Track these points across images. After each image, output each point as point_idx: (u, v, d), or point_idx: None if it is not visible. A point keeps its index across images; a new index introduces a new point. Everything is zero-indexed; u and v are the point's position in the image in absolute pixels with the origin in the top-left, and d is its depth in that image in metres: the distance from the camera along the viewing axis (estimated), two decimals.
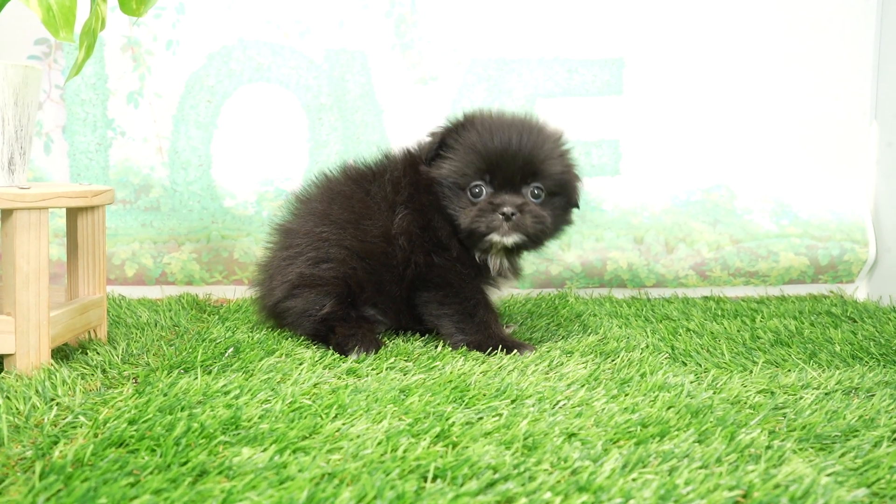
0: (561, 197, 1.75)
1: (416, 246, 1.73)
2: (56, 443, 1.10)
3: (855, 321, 2.06)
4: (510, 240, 1.68)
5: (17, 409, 1.23)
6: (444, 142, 1.74)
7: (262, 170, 2.35)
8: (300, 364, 1.54)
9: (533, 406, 1.29)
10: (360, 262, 1.73)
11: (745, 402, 1.35)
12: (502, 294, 1.85)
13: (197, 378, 1.39)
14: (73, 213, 1.70)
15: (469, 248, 1.74)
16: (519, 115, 1.77)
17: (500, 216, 1.66)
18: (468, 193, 1.70)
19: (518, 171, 1.68)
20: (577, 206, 1.82)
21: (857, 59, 2.44)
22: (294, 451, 1.08)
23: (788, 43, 2.43)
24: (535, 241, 1.73)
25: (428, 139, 1.78)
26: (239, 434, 1.13)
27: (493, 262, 1.76)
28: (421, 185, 1.74)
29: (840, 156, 2.48)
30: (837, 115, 2.46)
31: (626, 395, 1.37)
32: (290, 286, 1.75)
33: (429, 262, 1.73)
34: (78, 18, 1.53)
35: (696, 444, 1.14)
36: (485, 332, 1.72)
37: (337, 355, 1.63)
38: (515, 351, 1.67)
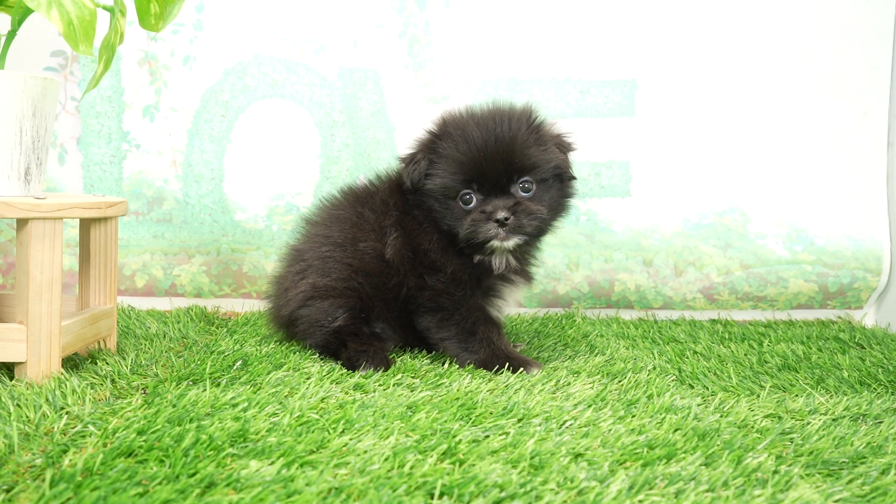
0: (553, 179, 1.71)
1: (408, 269, 1.72)
2: (66, 451, 1.11)
3: (863, 347, 2.06)
4: (510, 243, 1.67)
5: (27, 417, 1.24)
6: (426, 157, 1.71)
7: (274, 184, 2.37)
8: (308, 378, 1.55)
9: (540, 425, 1.29)
10: (364, 277, 1.74)
11: (753, 427, 1.35)
12: (509, 308, 1.81)
13: (205, 390, 1.40)
14: (86, 224, 1.72)
15: (467, 259, 1.72)
16: (488, 107, 1.72)
17: (495, 224, 1.63)
18: (459, 202, 1.68)
19: (502, 173, 1.65)
20: (573, 178, 1.76)
21: (875, 81, 2.43)
22: (301, 465, 1.09)
23: (804, 65, 2.42)
24: (537, 235, 1.72)
25: (407, 164, 1.74)
26: (247, 447, 1.13)
27: (498, 262, 1.73)
28: (408, 207, 1.74)
29: (859, 180, 2.45)
30: (855, 138, 2.44)
31: (633, 416, 1.37)
32: (304, 297, 1.77)
33: (421, 285, 1.72)
34: (97, 32, 1.56)
35: (703, 467, 1.14)
36: (489, 347, 1.71)
37: (344, 370, 1.64)
38: (522, 369, 1.67)
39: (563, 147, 1.74)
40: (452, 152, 1.67)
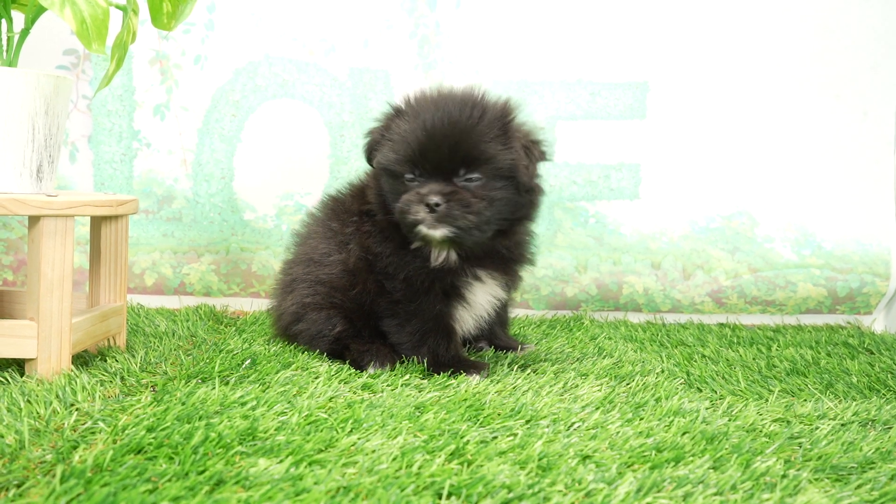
0: (511, 180, 1.60)
1: (367, 275, 1.70)
2: (76, 447, 1.12)
3: (872, 353, 2.05)
4: (439, 233, 1.56)
5: (37, 413, 1.25)
6: (383, 132, 1.66)
7: (283, 184, 2.38)
8: (316, 378, 1.55)
9: (548, 427, 1.29)
10: (339, 293, 1.74)
11: (761, 431, 1.35)
12: (483, 308, 1.72)
13: (214, 388, 1.41)
14: (97, 222, 1.73)
15: (420, 261, 1.65)
16: (457, 92, 1.64)
17: (425, 207, 1.54)
18: (404, 182, 1.61)
19: (445, 158, 1.56)
20: (530, 189, 1.63)
21: (884, 86, 2.42)
22: (310, 464, 1.09)
23: (814, 69, 2.42)
24: (471, 232, 1.58)
25: (367, 135, 1.72)
26: (256, 445, 1.14)
27: (435, 255, 1.65)
28: (364, 212, 1.72)
29: (868, 184, 2.44)
30: (865, 143, 2.43)
31: (641, 419, 1.37)
32: (294, 313, 1.79)
33: (380, 290, 1.70)
34: (110, 31, 1.56)
35: (711, 470, 1.13)
36: (433, 357, 1.67)
37: (352, 370, 1.64)
38: (463, 372, 1.63)
39: (531, 152, 1.63)
40: (403, 130, 1.60)
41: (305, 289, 1.78)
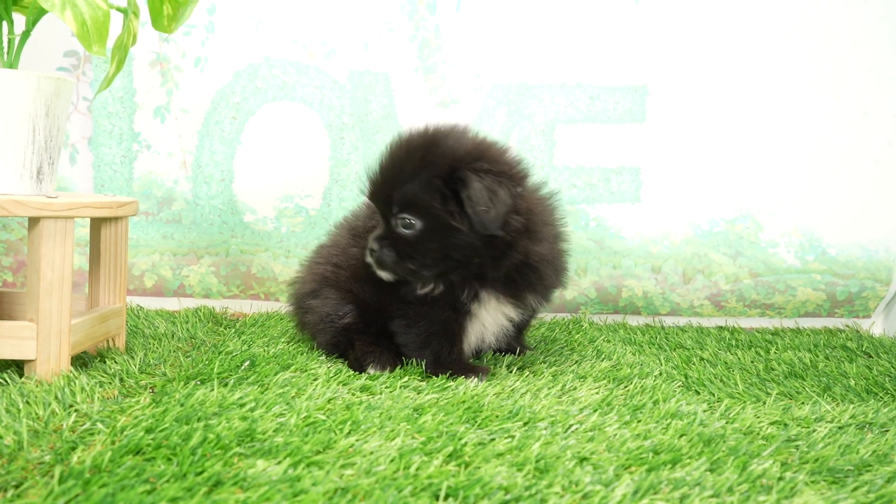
0: (445, 228, 1.54)
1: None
2: (74, 448, 1.12)
3: (870, 356, 2.05)
4: (383, 274, 1.64)
5: (36, 414, 1.25)
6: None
7: (283, 186, 2.38)
8: (315, 379, 1.56)
9: (545, 429, 1.29)
10: (356, 283, 1.75)
11: (758, 433, 1.35)
12: (491, 326, 1.72)
13: (213, 390, 1.41)
14: (97, 224, 1.73)
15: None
16: (419, 132, 1.63)
17: (368, 251, 1.63)
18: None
19: (381, 203, 1.61)
20: (490, 232, 1.52)
21: (884, 86, 2.41)
22: (308, 465, 1.09)
23: (814, 70, 2.41)
24: (414, 275, 1.60)
25: None
26: (254, 446, 1.14)
27: (420, 286, 1.65)
28: None
29: (869, 186, 2.43)
30: (869, 146, 2.42)
31: (639, 421, 1.37)
32: (312, 288, 1.83)
33: (393, 293, 1.70)
34: (110, 33, 1.57)
35: (708, 472, 1.14)
36: (435, 360, 1.68)
37: (351, 372, 1.65)
38: (462, 376, 1.63)
39: (495, 195, 1.50)
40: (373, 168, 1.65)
41: (329, 267, 1.81)
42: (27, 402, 1.29)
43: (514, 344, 1.92)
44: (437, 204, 1.54)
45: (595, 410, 1.42)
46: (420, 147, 1.58)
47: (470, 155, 1.56)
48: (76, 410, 1.28)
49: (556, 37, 2.41)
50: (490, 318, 1.71)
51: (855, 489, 1.13)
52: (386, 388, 1.53)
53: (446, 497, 1.01)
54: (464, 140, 1.60)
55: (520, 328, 1.87)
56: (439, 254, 1.57)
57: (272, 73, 2.36)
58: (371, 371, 1.64)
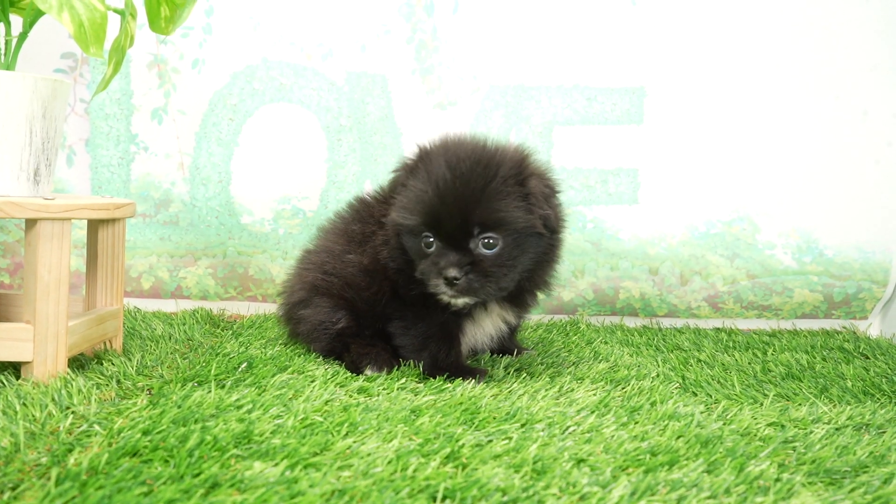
0: (531, 236, 1.56)
1: (383, 277, 1.70)
2: (71, 450, 1.12)
3: (867, 357, 2.06)
4: (460, 301, 1.58)
5: (33, 416, 1.25)
6: (403, 182, 1.62)
7: (281, 188, 2.38)
8: (312, 381, 1.55)
9: (543, 430, 1.29)
10: (350, 290, 1.75)
11: (755, 435, 1.35)
12: (489, 330, 1.73)
13: (210, 391, 1.41)
14: (94, 225, 1.73)
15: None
16: (468, 143, 1.59)
17: (444, 281, 1.51)
18: (422, 242, 1.57)
19: (459, 227, 1.51)
20: (557, 232, 1.61)
21: (884, 87, 2.41)
22: (305, 467, 1.09)
23: (814, 70, 2.41)
24: (494, 295, 1.57)
25: (389, 185, 1.71)
26: (251, 448, 1.14)
27: (449, 303, 1.62)
28: (384, 223, 1.70)
29: (869, 186, 2.42)
30: (869, 147, 2.42)
31: (636, 422, 1.37)
32: (301, 298, 1.81)
33: (392, 293, 1.70)
34: (107, 35, 1.57)
35: (705, 474, 1.14)
36: (433, 362, 1.67)
37: (348, 374, 1.65)
38: (460, 378, 1.62)
39: (550, 201, 1.58)
40: (418, 188, 1.56)
41: (319, 275, 1.79)
42: (24, 404, 1.29)
43: (509, 345, 1.92)
44: (521, 214, 1.52)
45: (592, 412, 1.42)
46: (486, 161, 1.54)
47: (524, 165, 1.57)
48: (73, 412, 1.28)
49: (553, 38, 2.41)
50: (490, 323, 1.72)
51: (852, 490, 1.13)
52: (383, 389, 1.53)
53: (444, 499, 1.01)
54: (507, 147, 1.60)
55: (512, 330, 1.88)
56: (520, 266, 1.57)
57: (269, 75, 2.36)
58: (368, 372, 1.64)
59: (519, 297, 1.70)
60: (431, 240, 1.56)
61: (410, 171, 1.62)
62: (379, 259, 1.70)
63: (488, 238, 1.52)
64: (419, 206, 1.54)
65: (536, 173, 1.58)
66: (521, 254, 1.56)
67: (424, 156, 1.61)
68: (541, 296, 1.78)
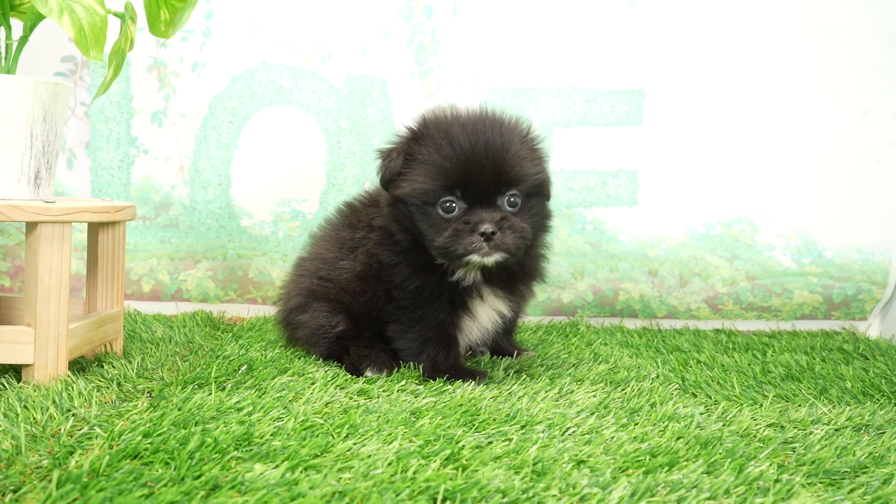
0: (538, 196, 1.63)
1: (377, 280, 1.70)
2: (72, 453, 1.12)
3: (867, 358, 2.06)
4: (491, 259, 1.56)
5: (34, 418, 1.25)
6: (408, 153, 1.62)
7: (280, 191, 2.39)
8: (312, 383, 1.56)
9: (543, 432, 1.29)
10: (346, 294, 1.75)
11: (755, 436, 1.35)
12: (486, 320, 1.73)
13: (211, 394, 1.41)
14: (94, 228, 1.73)
15: (429, 276, 1.66)
16: (475, 112, 1.64)
17: (480, 237, 1.53)
18: (439, 210, 1.57)
19: (491, 181, 1.55)
20: (549, 198, 1.69)
21: (884, 86, 2.41)
22: (306, 469, 1.09)
23: (814, 70, 2.41)
24: (516, 255, 1.59)
25: (382, 160, 1.66)
26: (251, 450, 1.14)
27: (462, 274, 1.65)
28: (374, 226, 1.72)
29: (869, 187, 2.43)
30: (869, 147, 2.42)
31: (636, 424, 1.37)
32: (299, 304, 1.82)
33: (388, 297, 1.70)
34: (107, 38, 1.57)
35: (705, 475, 1.14)
36: (432, 364, 1.68)
37: (348, 376, 1.65)
38: (459, 380, 1.62)
39: (546, 160, 1.68)
40: (434, 156, 1.57)
41: (315, 281, 1.80)
42: (25, 407, 1.29)
43: (508, 347, 1.92)
44: (537, 171, 1.61)
45: (592, 413, 1.42)
46: (511, 126, 1.62)
47: (528, 128, 1.67)
48: (74, 415, 1.28)
49: (552, 40, 2.41)
50: (485, 315, 1.72)
51: (851, 491, 1.13)
52: (383, 391, 1.53)
53: (444, 500, 1.01)
54: (510, 115, 1.67)
55: (508, 328, 1.88)
56: (536, 226, 1.65)
57: (269, 78, 2.36)
58: (368, 374, 1.65)
59: (510, 284, 1.70)
60: (454, 204, 1.57)
61: (414, 141, 1.62)
62: (371, 264, 1.70)
63: (513, 195, 1.59)
64: (441, 170, 1.56)
65: (539, 137, 1.70)
66: (531, 214, 1.62)
67: (427, 126, 1.63)
68: (536, 288, 1.80)
